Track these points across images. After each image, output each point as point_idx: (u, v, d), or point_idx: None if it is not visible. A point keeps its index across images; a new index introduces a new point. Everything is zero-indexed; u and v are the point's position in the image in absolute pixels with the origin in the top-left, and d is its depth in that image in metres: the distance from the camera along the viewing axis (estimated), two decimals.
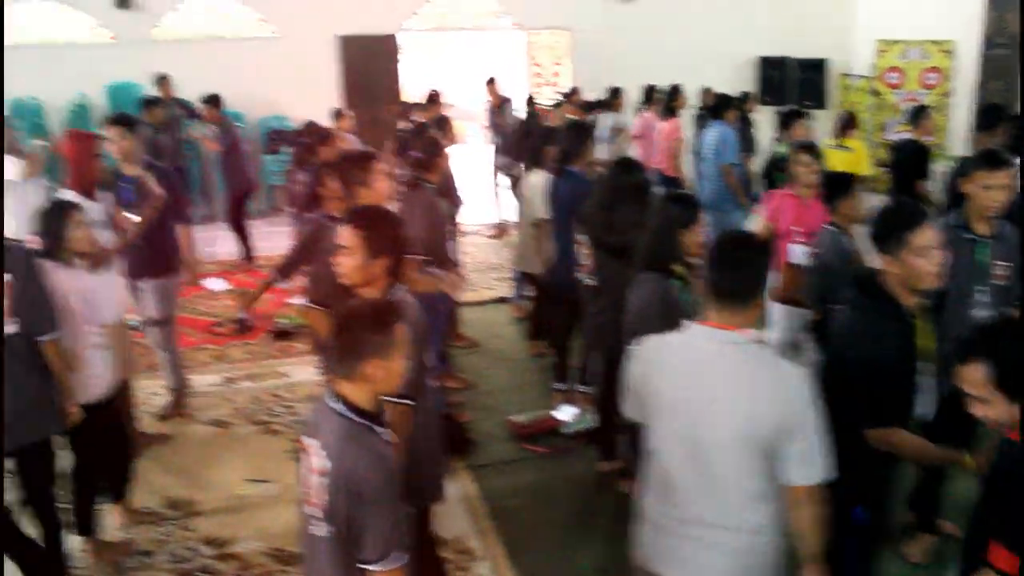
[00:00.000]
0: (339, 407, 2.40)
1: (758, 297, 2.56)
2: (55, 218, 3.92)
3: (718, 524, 2.53)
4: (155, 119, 8.65)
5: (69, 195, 4.68)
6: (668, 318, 3.13)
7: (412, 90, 12.68)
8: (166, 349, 5.65)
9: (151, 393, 5.82)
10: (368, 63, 11.96)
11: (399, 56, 12.23)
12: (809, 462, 2.47)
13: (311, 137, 6.33)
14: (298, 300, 7.73)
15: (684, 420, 2.53)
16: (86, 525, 4.21)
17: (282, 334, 7.07)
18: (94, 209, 4.71)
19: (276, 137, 11.10)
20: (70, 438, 4.03)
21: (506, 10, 12.44)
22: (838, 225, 4.41)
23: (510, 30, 12.82)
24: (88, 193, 4.83)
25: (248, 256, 9.27)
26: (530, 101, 10.13)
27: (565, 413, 5.53)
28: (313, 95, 11.60)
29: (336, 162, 4.17)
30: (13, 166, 6.23)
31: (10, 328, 3.50)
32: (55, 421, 3.77)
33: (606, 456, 4.90)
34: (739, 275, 2.52)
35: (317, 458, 2.41)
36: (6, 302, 3.45)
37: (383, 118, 11.45)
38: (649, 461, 2.69)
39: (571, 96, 9.52)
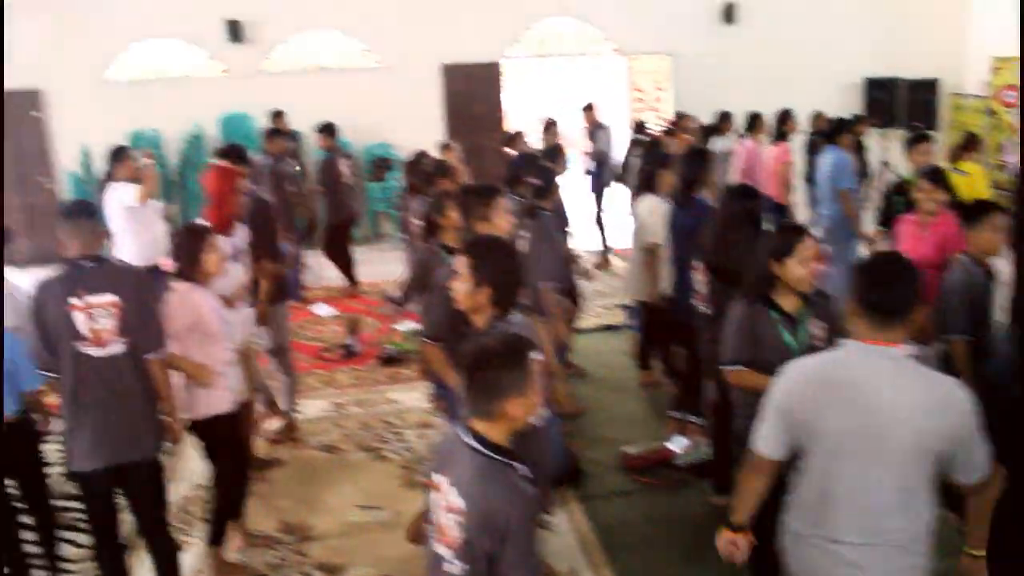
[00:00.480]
0: (475, 444, 2.38)
1: (913, 313, 2.55)
2: (191, 241, 4.09)
3: (876, 542, 2.55)
4: (276, 149, 8.86)
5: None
6: (754, 346, 3.23)
7: (514, 117, 12.73)
8: (286, 374, 5.77)
9: (264, 418, 5.90)
10: (471, 91, 12.07)
11: (501, 83, 12.30)
12: (976, 466, 2.56)
13: (428, 167, 6.37)
14: (404, 326, 7.84)
15: (849, 439, 2.53)
16: (218, 534, 4.31)
17: (389, 360, 7.12)
18: (229, 242, 4.83)
19: (381, 164, 11.27)
20: (206, 450, 4.29)
21: (607, 36, 12.42)
22: (972, 256, 4.21)
23: (611, 56, 12.78)
24: (226, 226, 4.93)
25: (352, 282, 9.38)
26: (640, 126, 10.03)
27: (677, 444, 5.40)
28: (417, 123, 11.79)
29: (458, 194, 4.18)
30: (132, 191, 6.45)
31: (118, 347, 3.64)
32: (159, 439, 3.87)
33: (720, 490, 4.76)
34: (895, 292, 2.53)
35: (450, 495, 2.39)
36: (115, 322, 3.60)
37: (487, 146, 11.56)
38: (802, 484, 2.70)
39: (681, 121, 9.40)
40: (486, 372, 2.36)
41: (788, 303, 3.46)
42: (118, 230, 6.65)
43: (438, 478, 2.48)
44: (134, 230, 6.58)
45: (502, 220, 3.98)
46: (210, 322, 4.06)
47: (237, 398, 4.29)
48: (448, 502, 2.40)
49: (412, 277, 4.84)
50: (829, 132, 7.85)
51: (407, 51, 11.80)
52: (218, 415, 4.16)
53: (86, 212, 3.81)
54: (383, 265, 9.98)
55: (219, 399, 4.16)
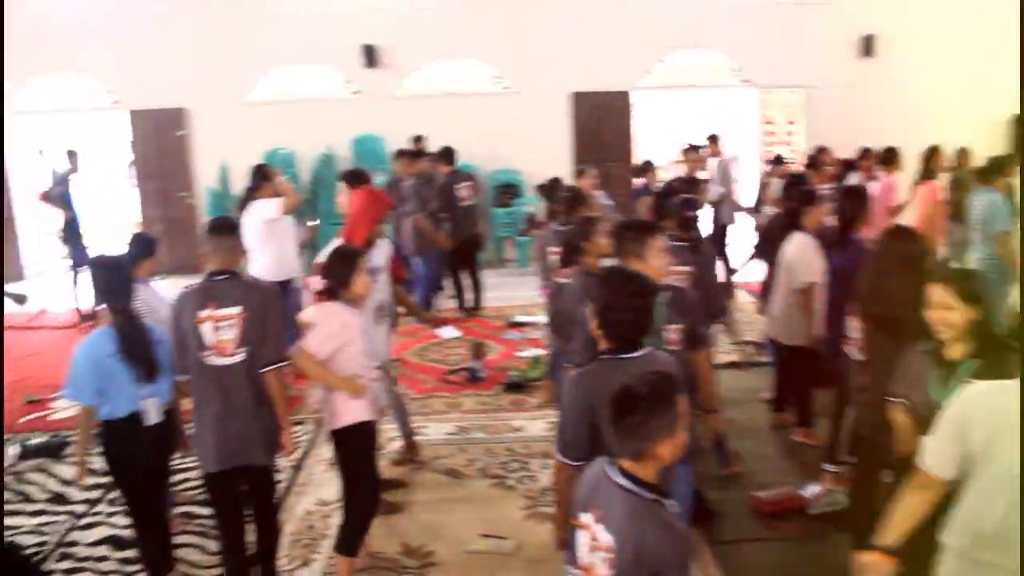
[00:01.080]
0: (625, 483, 2.38)
1: None
2: (343, 263, 4.15)
3: None
4: (418, 171, 8.98)
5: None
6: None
7: (643, 148, 12.62)
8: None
9: (388, 438, 5.91)
10: (600, 119, 12.03)
11: (631, 113, 12.20)
12: None
13: (565, 194, 6.29)
14: (528, 353, 7.78)
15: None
16: (350, 546, 4.31)
17: (513, 387, 7.06)
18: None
19: (506, 190, 11.31)
20: (341, 464, 4.33)
21: (740, 69, 12.21)
22: None
23: (743, 88, 12.56)
24: (367, 246, 4.99)
25: (476, 306, 9.38)
26: (778, 160, 9.76)
27: (811, 492, 5.16)
28: (544, 150, 11.84)
29: (617, 228, 4.09)
30: (274, 204, 6.62)
31: (238, 357, 3.87)
32: (271, 447, 4.06)
33: (859, 543, 4.50)
34: None
35: (599, 534, 2.37)
36: (238, 333, 3.83)
37: (615, 175, 11.47)
38: (969, 512, 2.67)
39: (820, 155, 9.10)
40: (634, 416, 2.34)
41: (954, 351, 3.24)
42: (254, 246, 6.83)
43: (584, 516, 2.48)
44: (269, 245, 6.74)
45: (656, 259, 3.87)
46: (357, 340, 4.12)
47: (376, 413, 4.34)
48: (596, 541, 2.40)
49: (554, 306, 4.80)
50: (982, 171, 7.44)
51: (538, 78, 11.86)
52: (359, 424, 4.19)
53: (229, 229, 4.07)
54: (507, 290, 9.99)
55: (360, 409, 4.21)
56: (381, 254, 5.14)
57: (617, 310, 3.06)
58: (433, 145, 10.69)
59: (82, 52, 11.87)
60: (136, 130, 12.10)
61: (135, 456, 4.11)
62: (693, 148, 9.59)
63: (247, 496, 4.13)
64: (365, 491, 4.31)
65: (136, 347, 3.99)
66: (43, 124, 12.62)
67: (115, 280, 4.13)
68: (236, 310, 3.84)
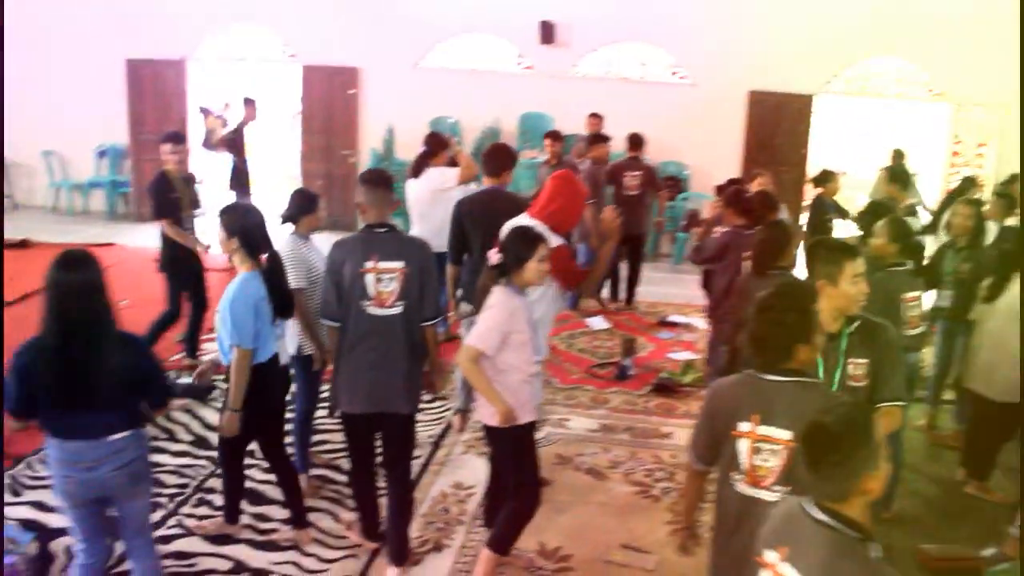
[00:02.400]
0: (827, 519, 2.18)
1: None
2: (525, 243, 3.87)
3: None
4: (598, 155, 8.74)
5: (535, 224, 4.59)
6: None
7: (819, 155, 11.99)
8: None
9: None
10: (776, 121, 11.44)
11: (811, 118, 11.58)
12: None
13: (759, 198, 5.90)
14: (681, 355, 7.45)
15: None
16: (502, 544, 4.12)
17: (663, 388, 6.73)
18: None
19: (672, 184, 10.91)
20: (492, 457, 4.30)
21: (933, 81, 11.40)
22: None
23: (933, 102, 11.75)
24: (565, 235, 4.75)
25: (629, 300, 9.07)
26: (970, 181, 9.04)
27: (988, 553, 4.68)
28: (715, 146, 11.41)
29: (812, 246, 3.67)
30: (451, 174, 6.47)
31: (396, 309, 4.02)
32: (415, 398, 4.23)
33: None
34: None
35: (786, 573, 2.26)
36: (397, 287, 4.00)
37: (786, 179, 10.94)
38: None
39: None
40: (835, 454, 2.14)
41: None
42: (419, 213, 6.71)
43: (770, 555, 2.33)
44: (434, 214, 6.60)
45: (851, 286, 3.34)
46: (522, 330, 3.85)
47: (530, 414, 4.01)
48: None
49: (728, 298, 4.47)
50: None
51: (716, 72, 11.38)
52: (509, 428, 3.93)
53: (385, 181, 4.19)
54: (660, 286, 9.63)
55: (523, 413, 3.95)
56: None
57: (763, 323, 2.78)
58: (608, 131, 10.46)
59: (262, 4, 12.08)
60: (307, 85, 12.25)
61: (275, 398, 4.42)
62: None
63: (384, 444, 4.29)
64: (521, 492, 4.08)
65: (277, 290, 4.26)
66: (217, 73, 12.96)
67: (263, 225, 4.25)
68: (398, 264, 3.99)
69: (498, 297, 3.85)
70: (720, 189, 7.00)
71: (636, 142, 9.03)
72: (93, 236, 11.18)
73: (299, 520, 4.56)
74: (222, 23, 12.30)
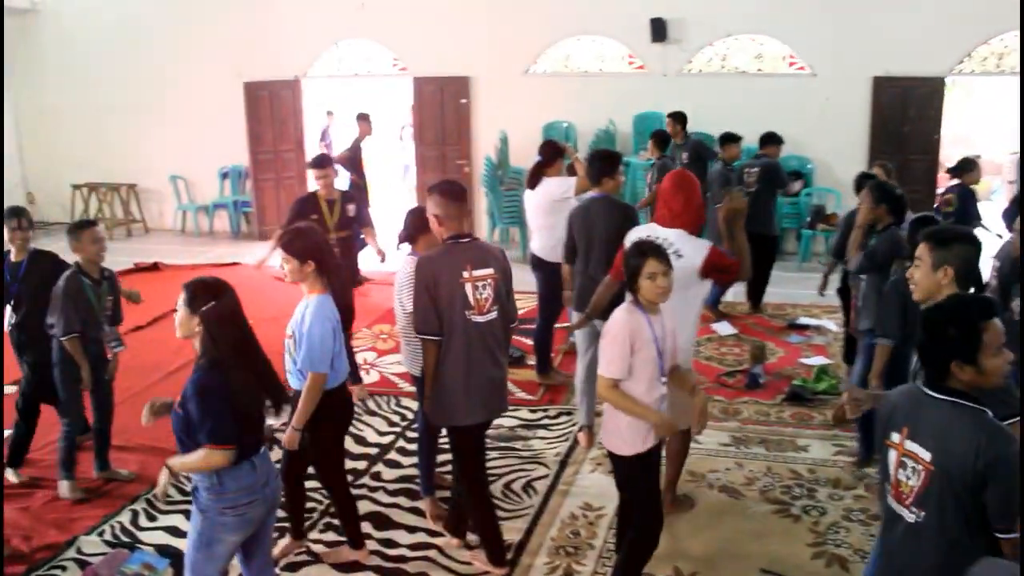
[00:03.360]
0: (939, 395, 2.52)
1: None
2: (632, 260, 3.65)
3: None
4: (730, 156, 8.50)
5: (669, 233, 4.40)
6: None
7: (953, 141, 11.36)
8: None
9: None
10: (903, 108, 10.86)
11: (942, 102, 10.95)
12: None
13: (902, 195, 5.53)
14: (814, 360, 7.11)
15: None
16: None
17: (797, 398, 6.41)
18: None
19: (794, 178, 10.49)
20: (616, 483, 4.04)
21: None
22: None
23: None
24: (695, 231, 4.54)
25: (756, 305, 8.74)
26: None
27: None
28: (838, 137, 10.96)
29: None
30: (570, 184, 6.32)
31: (493, 314, 4.12)
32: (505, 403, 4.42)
33: None
34: None
35: (914, 450, 2.54)
36: (492, 293, 4.10)
37: (917, 168, 10.42)
38: None
39: None
40: (946, 331, 2.51)
41: None
42: (538, 225, 6.59)
43: (895, 436, 2.65)
44: (554, 224, 6.46)
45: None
46: (646, 350, 3.64)
47: (651, 440, 3.78)
48: (909, 457, 2.59)
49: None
50: None
51: (836, 59, 10.91)
52: (634, 456, 3.76)
53: (461, 193, 4.19)
54: (787, 286, 9.26)
55: (638, 438, 3.74)
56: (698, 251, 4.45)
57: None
58: (718, 127, 10.17)
59: (371, 19, 12.19)
60: (419, 96, 12.30)
61: (342, 423, 4.43)
62: None
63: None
64: (643, 521, 3.90)
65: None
66: (328, 88, 13.17)
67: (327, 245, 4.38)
68: (489, 271, 4.09)
69: (617, 316, 3.69)
70: (860, 186, 6.56)
71: (766, 140, 8.72)
72: (218, 256, 11.50)
73: (355, 542, 4.54)
74: (333, 41, 12.48)
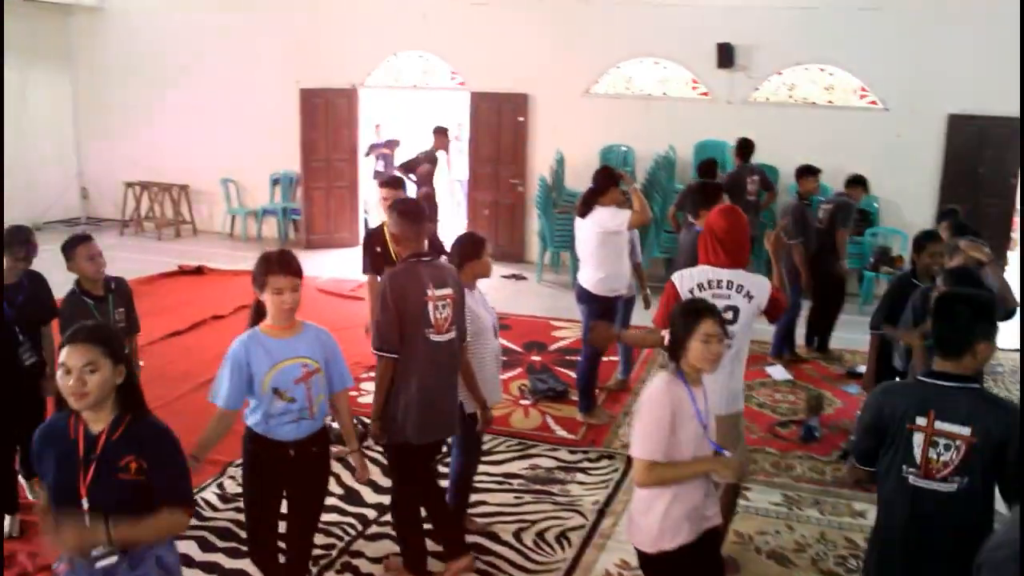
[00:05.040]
0: (956, 383, 2.91)
1: None
2: (689, 316, 3.18)
3: None
4: (808, 190, 8.14)
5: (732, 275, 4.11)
6: None
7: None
8: None
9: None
10: (980, 148, 10.36)
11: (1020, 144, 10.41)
12: None
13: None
14: None
15: None
16: None
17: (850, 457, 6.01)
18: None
19: (861, 217, 10.04)
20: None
21: None
22: None
23: None
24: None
25: (822, 346, 8.30)
26: None
27: None
28: (907, 175, 10.57)
29: None
30: (622, 217, 6.01)
31: (451, 335, 4.16)
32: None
33: None
34: None
35: (947, 428, 2.87)
36: (450, 312, 4.14)
37: (991, 212, 9.95)
38: None
39: None
40: (958, 319, 2.92)
41: None
42: (587, 256, 6.29)
43: (921, 419, 2.91)
44: (604, 257, 6.18)
45: None
46: (687, 424, 3.13)
47: (689, 534, 3.22)
48: (940, 436, 2.91)
49: None
50: None
51: (911, 95, 10.46)
52: (668, 553, 3.22)
53: (422, 215, 4.25)
54: (846, 331, 8.81)
55: (665, 533, 3.21)
56: (763, 289, 4.13)
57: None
58: (784, 159, 9.82)
59: (432, 32, 12.02)
60: (475, 112, 12.07)
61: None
62: None
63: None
64: None
65: None
66: (377, 99, 13.04)
67: None
68: (448, 291, 4.12)
69: (655, 390, 3.16)
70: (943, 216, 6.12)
71: (851, 181, 8.39)
72: None
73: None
74: (392, 51, 12.32)
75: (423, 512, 4.39)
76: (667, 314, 3.67)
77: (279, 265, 3.46)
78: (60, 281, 5.04)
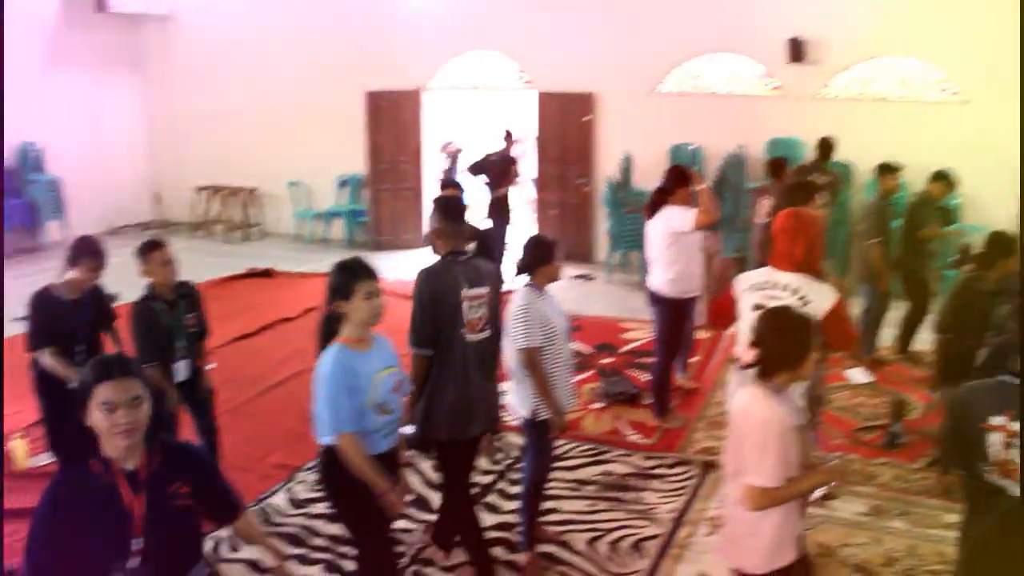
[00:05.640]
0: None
1: None
2: (790, 335, 3.05)
3: None
4: (888, 189, 7.87)
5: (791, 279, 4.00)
6: None
7: None
8: None
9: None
10: None
11: None
12: None
13: None
14: None
15: None
16: None
17: (939, 463, 5.75)
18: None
19: (943, 215, 9.67)
20: None
21: None
22: None
23: None
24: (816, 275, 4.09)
25: (903, 348, 8.01)
26: None
27: None
28: (990, 168, 10.03)
29: None
30: (688, 217, 5.85)
31: (486, 333, 4.16)
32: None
33: None
34: None
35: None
36: (485, 311, 4.14)
37: None
38: None
39: None
40: None
41: None
42: (656, 257, 6.14)
43: (997, 419, 2.84)
44: (674, 257, 6.03)
45: None
46: (790, 445, 2.98)
47: (790, 554, 3.14)
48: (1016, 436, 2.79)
49: None
50: None
51: (992, 83, 10.03)
52: (778, 571, 3.13)
53: (463, 212, 4.28)
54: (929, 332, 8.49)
55: (779, 551, 3.11)
56: (825, 298, 4.00)
57: None
58: (857, 155, 9.52)
59: (499, 32, 11.95)
60: (542, 111, 11.96)
61: None
62: None
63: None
64: None
65: None
66: (441, 101, 12.98)
67: None
68: (484, 290, 4.11)
69: (761, 415, 2.97)
70: None
71: (934, 177, 8.13)
72: (330, 265, 11.37)
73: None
74: (458, 52, 12.28)
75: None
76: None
77: (366, 270, 3.42)
78: (134, 284, 5.05)
